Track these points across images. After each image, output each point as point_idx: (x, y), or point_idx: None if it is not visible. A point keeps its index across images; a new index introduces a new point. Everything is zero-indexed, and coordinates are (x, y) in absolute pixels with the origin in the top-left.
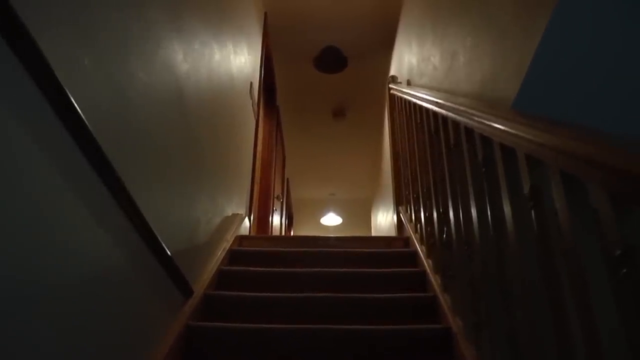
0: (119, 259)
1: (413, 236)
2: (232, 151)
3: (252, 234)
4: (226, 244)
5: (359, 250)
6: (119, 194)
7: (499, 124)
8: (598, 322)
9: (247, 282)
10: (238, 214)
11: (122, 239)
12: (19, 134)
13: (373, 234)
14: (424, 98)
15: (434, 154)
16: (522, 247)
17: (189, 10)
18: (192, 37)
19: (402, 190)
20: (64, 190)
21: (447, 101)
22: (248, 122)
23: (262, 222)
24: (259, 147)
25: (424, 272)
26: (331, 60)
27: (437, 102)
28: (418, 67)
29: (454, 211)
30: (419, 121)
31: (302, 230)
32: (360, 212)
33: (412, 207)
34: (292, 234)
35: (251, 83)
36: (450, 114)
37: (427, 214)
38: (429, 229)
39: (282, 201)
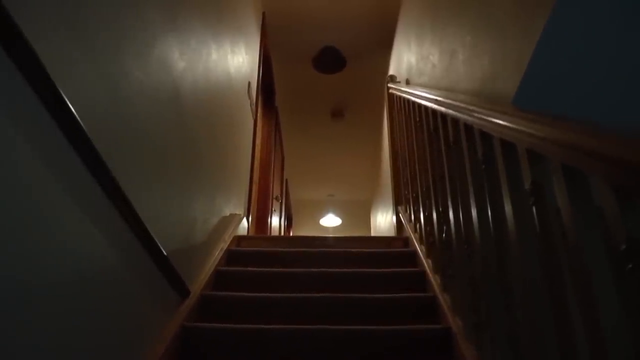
0: (114, 259)
1: (412, 236)
2: (230, 151)
3: (251, 234)
4: (224, 244)
5: (358, 251)
6: (113, 193)
7: (499, 119)
8: (602, 320)
9: (245, 282)
10: (236, 214)
11: (117, 239)
12: (10, 133)
13: (372, 235)
14: (422, 96)
15: (433, 153)
16: (523, 244)
17: (186, 10)
18: (190, 35)
19: (401, 190)
20: (58, 191)
21: (447, 98)
22: (246, 122)
23: (261, 222)
24: (258, 148)
25: (424, 272)
26: (330, 60)
27: (436, 100)
28: (417, 66)
29: (453, 210)
30: (417, 119)
31: (301, 231)
32: (360, 213)
33: (412, 207)
34: (291, 234)
35: (249, 83)
36: (449, 111)
37: (426, 213)
38: (428, 228)
39: (281, 202)
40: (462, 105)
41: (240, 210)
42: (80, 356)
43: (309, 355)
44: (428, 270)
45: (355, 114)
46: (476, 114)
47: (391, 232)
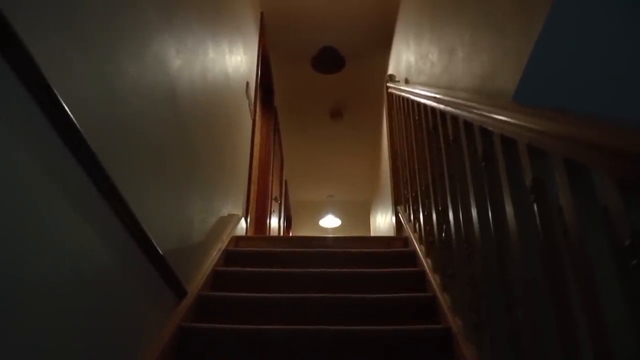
0: (110, 259)
1: (412, 236)
2: (228, 151)
3: (250, 235)
4: (222, 245)
5: (357, 251)
6: (109, 194)
7: (498, 114)
8: (605, 318)
9: (243, 282)
10: (234, 214)
11: (113, 239)
12: (5, 133)
13: (372, 235)
14: (421, 94)
15: (432, 151)
16: (524, 243)
17: (183, 10)
18: (187, 35)
19: (400, 190)
20: (52, 191)
21: (446, 95)
22: (244, 122)
23: (260, 223)
24: (257, 148)
25: (423, 272)
26: (329, 60)
27: (435, 97)
28: (416, 65)
29: (453, 209)
30: (417, 118)
31: (301, 232)
32: (359, 213)
33: (411, 207)
34: (291, 235)
35: (247, 83)
36: (448, 108)
37: (425, 213)
38: (427, 227)
39: (280, 203)
40: (462, 102)
41: (238, 210)
42: (79, 356)
43: (308, 356)
44: (428, 270)
45: (354, 114)
46: (476, 111)
47: (391, 233)
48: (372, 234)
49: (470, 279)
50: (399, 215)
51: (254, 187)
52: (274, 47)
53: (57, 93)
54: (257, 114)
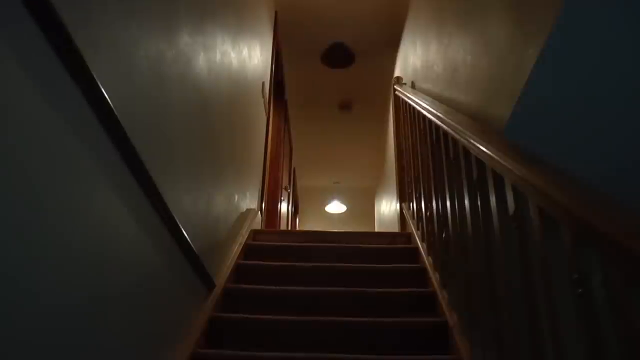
0: (160, 263)
1: (415, 233)
2: (246, 149)
3: (264, 226)
4: (242, 239)
5: (365, 247)
6: (158, 204)
7: (490, 151)
8: (563, 327)
9: (262, 275)
10: (251, 209)
11: (160, 245)
12: (75, 149)
13: (376, 222)
14: (426, 108)
15: (435, 161)
16: (506, 258)
17: (211, 23)
18: (213, 42)
19: (405, 188)
20: (125, 214)
21: (447, 117)
22: (260, 120)
23: (271, 211)
24: (269, 141)
25: (424, 269)
26: (338, 56)
27: (438, 116)
28: (422, 71)
29: (451, 216)
30: (422, 128)
31: (307, 218)
32: (364, 200)
33: (415, 206)
34: (297, 221)
35: (263, 83)
36: (450, 130)
37: (428, 214)
38: (429, 227)
39: (289, 191)
40: (461, 129)
41: (254, 204)
42: (142, 343)
43: (323, 343)
44: (429, 267)
45: (362, 108)
46: (472, 141)
47: (394, 221)
48: (376, 220)
49: (465, 280)
50: (404, 212)
51: (266, 179)
52: (286, 42)
53: (116, 112)
54: (269, 108)
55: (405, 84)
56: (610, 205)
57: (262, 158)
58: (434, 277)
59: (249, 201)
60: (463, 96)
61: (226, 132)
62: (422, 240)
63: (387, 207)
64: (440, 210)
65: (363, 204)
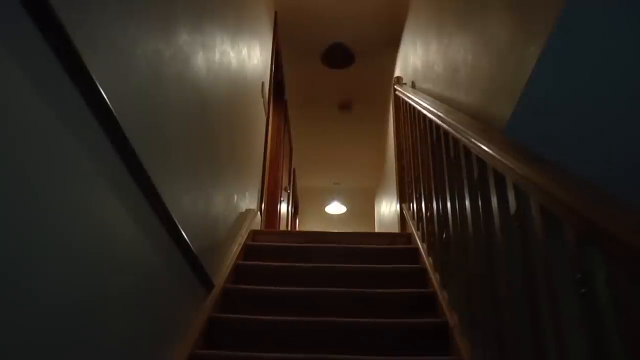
0: (158, 264)
1: (415, 234)
2: (245, 149)
3: (263, 226)
4: (241, 239)
5: (365, 247)
6: (157, 205)
7: (491, 150)
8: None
9: (262, 275)
10: (251, 209)
11: (160, 245)
12: (74, 149)
13: (376, 223)
14: (426, 108)
15: (435, 161)
16: (508, 258)
17: (210, 22)
18: (212, 42)
19: (405, 188)
20: (123, 215)
21: (448, 117)
22: (259, 120)
23: (270, 212)
24: (268, 142)
25: (424, 269)
26: (338, 56)
27: (438, 116)
28: (422, 71)
29: (452, 216)
30: (422, 127)
31: (307, 218)
32: (364, 201)
33: (415, 206)
34: (297, 222)
35: (263, 83)
36: (450, 129)
37: (428, 214)
38: (429, 228)
39: (289, 192)
40: (462, 128)
41: (253, 204)
42: (140, 343)
43: (323, 344)
44: (429, 268)
45: (362, 108)
46: (473, 140)
47: (395, 222)
48: (377, 221)
49: (466, 280)
50: (404, 212)
51: (266, 180)
52: (286, 42)
53: (116, 115)
54: (269, 110)
55: (405, 84)
56: (613, 202)
57: (262, 158)
58: (434, 277)
59: (249, 201)
60: (463, 96)
61: (225, 132)
62: (423, 241)
63: (387, 208)
64: (441, 211)
65: (363, 204)
